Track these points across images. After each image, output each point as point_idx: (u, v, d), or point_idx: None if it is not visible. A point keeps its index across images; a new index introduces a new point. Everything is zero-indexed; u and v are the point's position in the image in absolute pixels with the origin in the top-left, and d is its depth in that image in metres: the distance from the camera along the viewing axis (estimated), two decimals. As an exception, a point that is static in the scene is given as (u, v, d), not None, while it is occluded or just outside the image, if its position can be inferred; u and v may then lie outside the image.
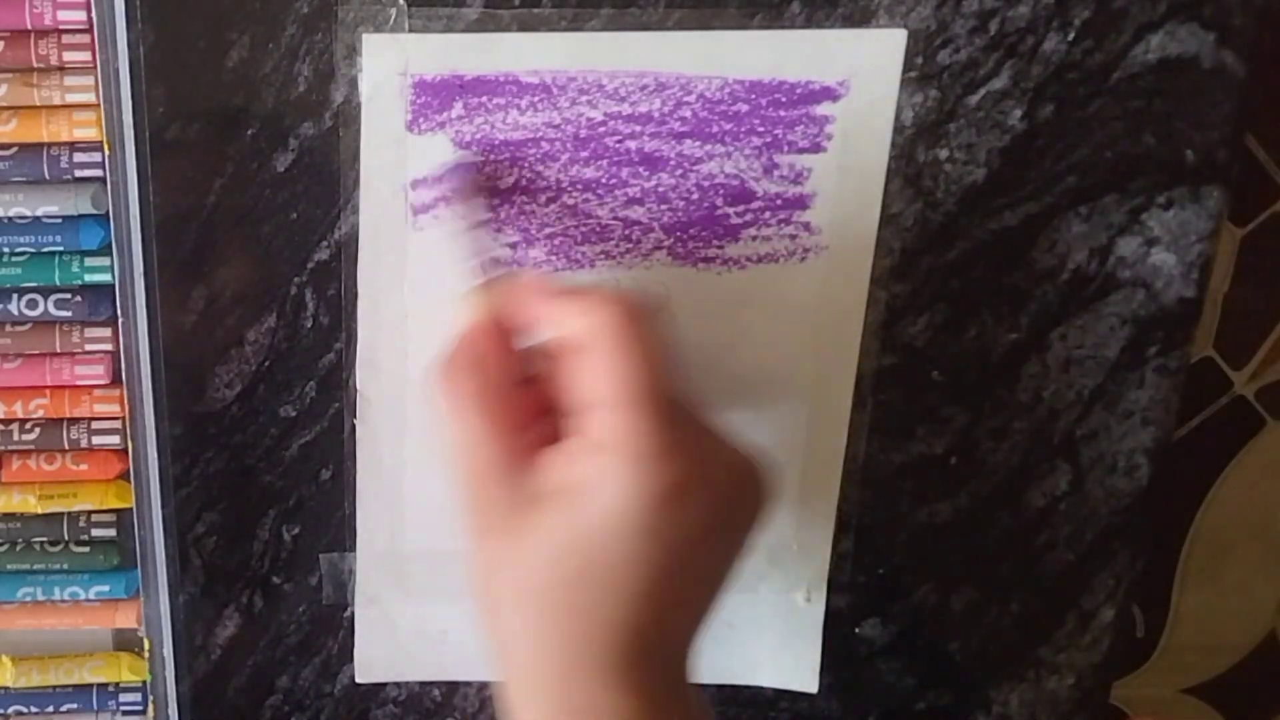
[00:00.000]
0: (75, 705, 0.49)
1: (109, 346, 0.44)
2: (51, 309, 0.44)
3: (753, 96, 0.42)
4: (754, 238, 0.44)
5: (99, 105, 0.41)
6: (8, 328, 0.44)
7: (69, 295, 0.44)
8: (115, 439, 0.45)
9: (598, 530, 0.35)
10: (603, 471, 0.35)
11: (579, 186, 0.43)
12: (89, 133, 0.42)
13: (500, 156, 0.42)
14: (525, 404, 0.38)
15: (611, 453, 0.35)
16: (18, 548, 0.47)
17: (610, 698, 0.36)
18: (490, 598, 0.38)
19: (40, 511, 0.46)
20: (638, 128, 0.42)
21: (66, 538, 0.47)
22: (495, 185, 0.43)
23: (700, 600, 0.38)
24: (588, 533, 0.35)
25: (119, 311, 0.43)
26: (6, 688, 0.48)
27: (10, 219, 0.43)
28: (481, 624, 0.38)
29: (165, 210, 0.42)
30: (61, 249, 0.43)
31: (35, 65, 0.41)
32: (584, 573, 0.36)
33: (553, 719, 0.37)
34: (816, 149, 0.43)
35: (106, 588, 0.47)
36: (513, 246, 0.43)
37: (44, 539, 0.47)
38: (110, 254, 0.43)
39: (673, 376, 0.36)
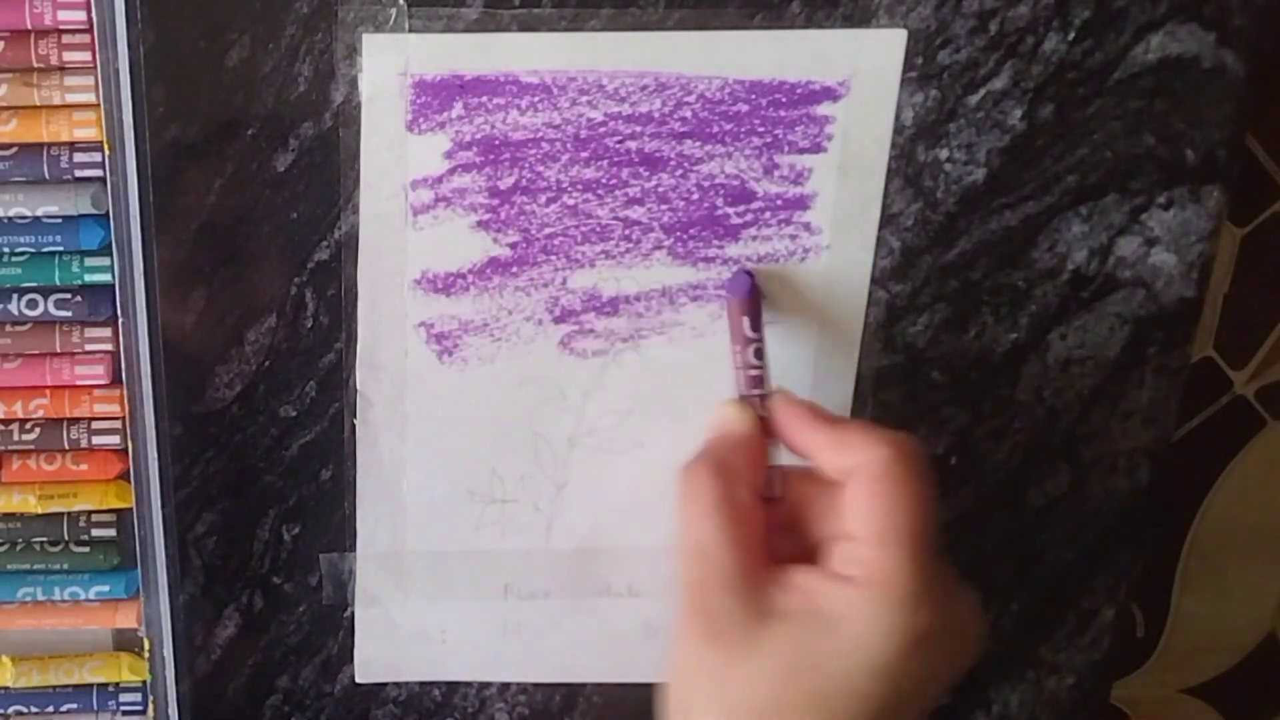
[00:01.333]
0: (75, 705, 0.49)
1: (109, 346, 0.44)
2: (51, 309, 0.44)
3: (753, 96, 0.42)
4: (754, 238, 0.44)
5: (99, 105, 0.41)
6: (8, 328, 0.44)
7: (69, 295, 0.44)
8: (115, 439, 0.45)
9: (839, 660, 0.36)
10: (854, 605, 0.36)
11: (579, 186, 0.43)
12: (89, 133, 0.42)
13: (500, 157, 0.42)
14: (764, 521, 0.39)
15: (867, 588, 0.36)
16: (18, 548, 0.47)
17: None
18: (692, 703, 0.38)
19: (40, 511, 0.46)
20: (638, 128, 0.42)
21: (66, 538, 0.47)
22: (495, 186, 0.43)
23: None
24: (827, 660, 0.36)
25: (119, 311, 0.43)
26: (6, 688, 0.48)
27: (10, 219, 0.43)
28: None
29: (165, 210, 0.42)
30: (61, 249, 0.43)
31: (35, 65, 0.41)
32: (813, 698, 0.36)
33: None
34: (817, 149, 0.43)
35: (106, 588, 0.47)
36: (512, 246, 0.43)
37: (44, 539, 0.47)
38: (110, 254, 0.43)
39: (933, 525, 0.37)
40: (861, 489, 0.37)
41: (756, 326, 0.42)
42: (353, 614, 0.48)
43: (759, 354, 0.41)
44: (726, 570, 0.37)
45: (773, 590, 0.37)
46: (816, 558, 0.38)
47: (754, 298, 0.42)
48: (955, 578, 0.38)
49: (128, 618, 0.47)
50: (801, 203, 0.43)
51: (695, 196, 0.43)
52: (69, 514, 0.46)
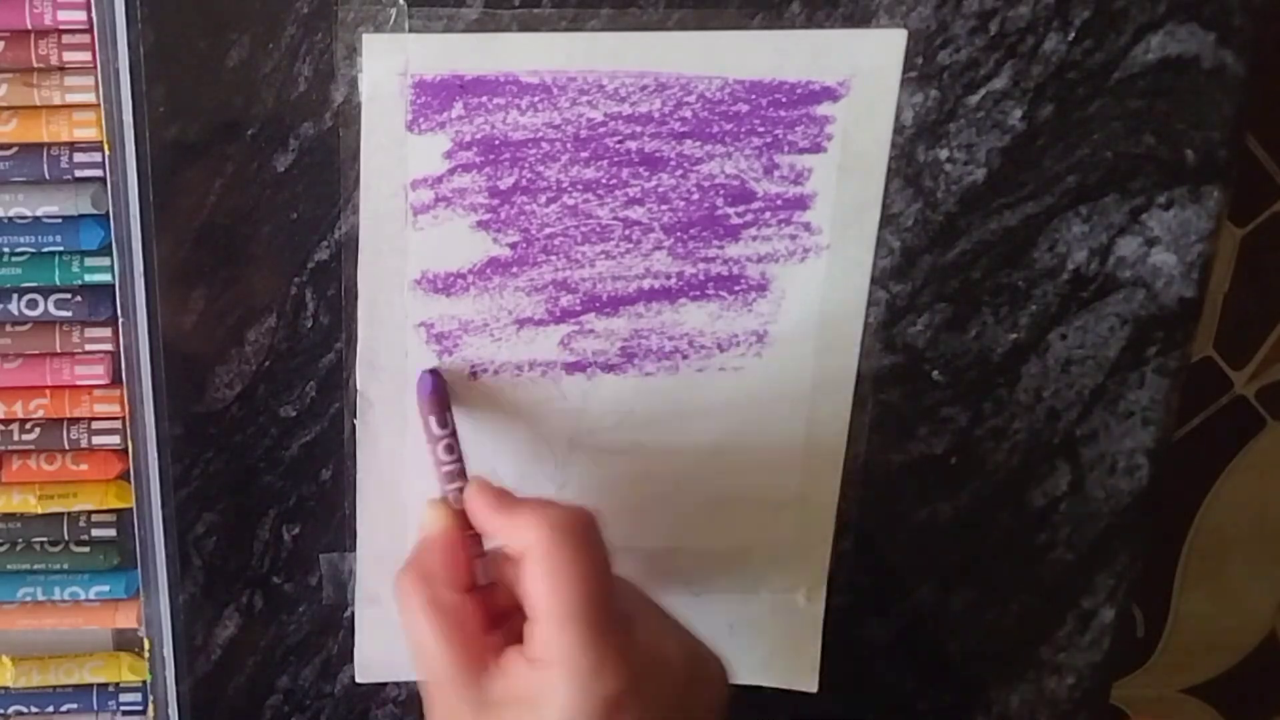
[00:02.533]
0: (75, 705, 0.49)
1: (109, 346, 0.44)
2: (52, 309, 0.44)
3: (753, 97, 0.42)
4: (754, 238, 0.44)
5: (99, 105, 0.41)
6: (8, 328, 0.44)
7: (69, 295, 0.44)
8: (115, 439, 0.45)
9: None
10: (544, 686, 0.37)
11: (579, 186, 0.43)
12: (89, 133, 0.42)
13: (500, 157, 0.42)
14: (489, 606, 0.40)
15: (551, 669, 0.37)
16: (18, 548, 0.47)
17: None
18: None
19: (40, 511, 0.46)
20: (638, 128, 0.42)
21: (66, 538, 0.47)
22: (495, 186, 0.43)
23: None
24: None
25: (119, 311, 0.43)
26: (6, 688, 0.48)
27: (10, 219, 0.43)
28: None
29: (165, 210, 0.42)
30: (62, 249, 0.43)
31: (35, 65, 0.41)
32: None
33: None
34: (817, 149, 0.43)
35: (106, 588, 0.47)
36: (512, 246, 0.43)
37: (44, 539, 0.47)
38: (110, 254, 0.43)
39: (607, 588, 0.38)
40: (532, 571, 0.38)
41: (444, 423, 0.43)
42: (353, 614, 0.48)
43: (449, 449, 0.42)
44: (445, 669, 0.39)
45: (490, 680, 0.38)
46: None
47: (437, 395, 0.43)
48: (655, 631, 0.39)
49: (128, 618, 0.47)
50: (801, 203, 0.43)
51: (695, 196, 0.43)
52: (69, 514, 0.46)
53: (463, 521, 0.41)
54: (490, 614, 0.40)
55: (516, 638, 0.39)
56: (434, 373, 0.44)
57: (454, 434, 0.43)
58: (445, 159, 0.42)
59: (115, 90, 0.41)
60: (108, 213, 0.42)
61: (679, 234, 0.43)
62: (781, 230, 0.44)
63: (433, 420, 0.43)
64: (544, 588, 0.37)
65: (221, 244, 0.43)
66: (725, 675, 0.41)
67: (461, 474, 0.42)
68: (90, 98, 0.41)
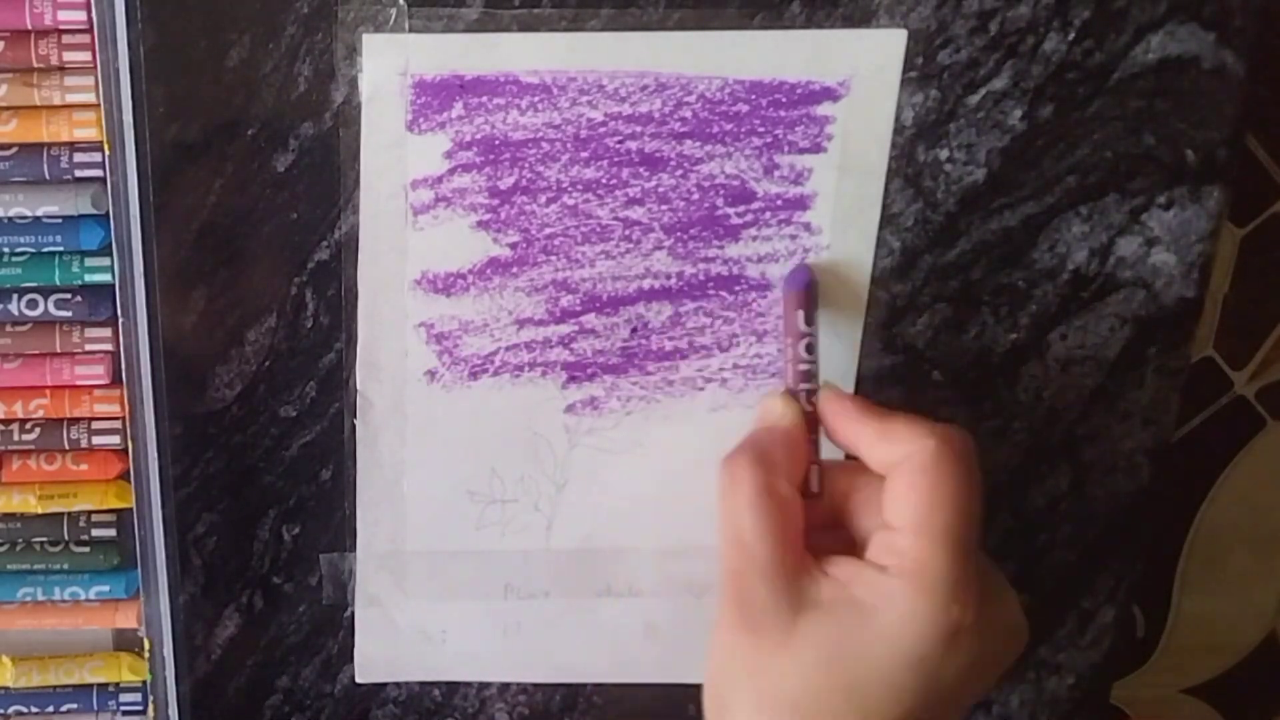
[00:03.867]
0: (75, 705, 0.49)
1: (109, 346, 0.44)
2: (52, 309, 0.44)
3: (753, 97, 0.42)
4: (754, 238, 0.44)
5: (99, 105, 0.41)
6: (8, 328, 0.44)
7: (69, 295, 0.44)
8: (115, 439, 0.45)
9: (874, 650, 0.36)
10: (889, 595, 0.36)
11: (579, 186, 0.43)
12: (89, 133, 0.42)
13: (500, 157, 0.42)
14: (803, 515, 0.39)
15: (903, 579, 0.36)
16: (18, 548, 0.47)
17: None
18: (730, 693, 0.38)
19: (40, 511, 0.46)
20: (638, 128, 0.42)
21: (66, 538, 0.47)
22: (495, 186, 0.43)
23: None
24: (862, 650, 0.36)
25: (119, 311, 0.43)
26: (6, 688, 0.48)
27: (10, 219, 0.43)
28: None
29: (165, 210, 0.42)
30: (62, 249, 0.43)
31: (35, 65, 0.41)
32: (849, 688, 0.36)
33: None
34: (817, 149, 0.43)
35: (106, 588, 0.47)
36: (512, 246, 0.43)
37: (44, 539, 0.47)
38: (110, 254, 0.43)
39: (980, 516, 0.37)
40: (903, 480, 0.37)
41: (810, 321, 0.42)
42: (353, 614, 0.48)
43: (810, 349, 0.41)
44: (763, 561, 0.37)
45: (809, 581, 0.37)
46: (856, 552, 0.38)
47: (810, 291, 0.42)
48: (999, 576, 0.38)
49: (128, 618, 0.47)
50: (801, 203, 0.43)
51: (695, 196, 0.43)
52: (69, 514, 0.46)
53: (807, 422, 0.40)
54: (810, 525, 0.39)
55: (833, 554, 0.38)
56: (808, 267, 0.43)
57: (815, 335, 0.42)
58: (445, 159, 0.42)
59: (115, 90, 0.41)
60: (108, 213, 0.42)
61: (679, 234, 0.43)
62: (781, 230, 0.44)
63: (800, 315, 0.42)
64: (924, 499, 0.36)
65: (221, 244, 0.43)
66: (1025, 639, 0.40)
67: (814, 377, 0.41)
68: (90, 98, 0.41)
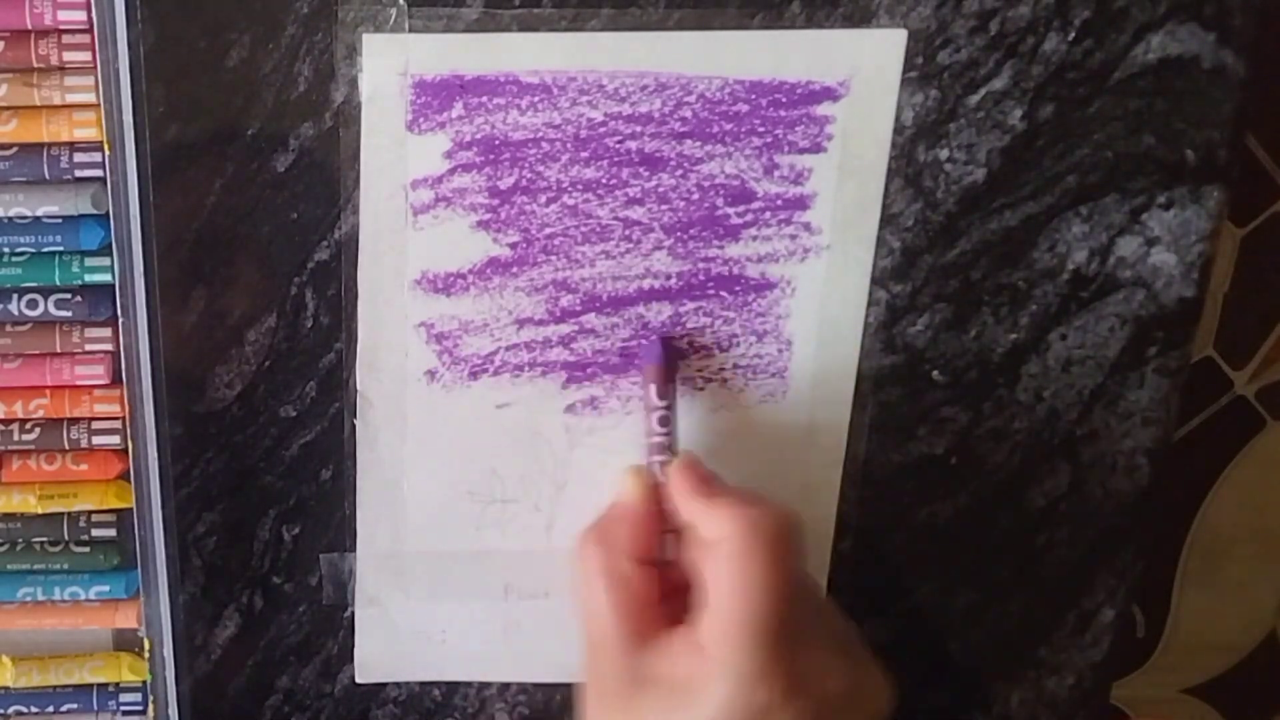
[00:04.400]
0: (75, 705, 0.49)
1: (109, 346, 0.44)
2: (52, 309, 0.44)
3: (753, 97, 0.42)
4: (754, 238, 0.44)
5: (99, 105, 0.41)
6: (8, 328, 0.44)
7: (69, 295, 0.44)
8: (115, 439, 0.45)
9: None
10: (705, 677, 0.37)
11: (579, 186, 0.43)
12: (89, 133, 0.42)
13: (500, 156, 0.42)
14: (659, 581, 0.41)
15: (712, 661, 0.37)
16: (18, 548, 0.47)
17: None
18: None
19: (40, 511, 0.46)
20: (638, 128, 0.42)
21: (66, 538, 0.47)
22: (495, 186, 0.43)
23: None
24: None
25: (119, 311, 0.43)
26: (6, 688, 0.48)
27: (10, 219, 0.43)
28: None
29: (165, 210, 0.42)
30: (62, 249, 0.43)
31: (35, 65, 0.41)
32: None
33: None
34: (817, 149, 0.43)
35: (106, 588, 0.47)
36: (513, 246, 0.43)
37: (44, 539, 0.47)
38: (110, 254, 0.43)
39: (788, 602, 0.38)
40: (719, 565, 0.38)
41: (664, 395, 0.43)
42: (353, 614, 0.48)
43: (664, 421, 0.43)
44: (610, 636, 0.39)
45: (651, 656, 0.39)
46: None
47: (664, 365, 0.43)
48: (826, 651, 0.39)
49: (128, 618, 0.47)
50: (801, 203, 0.43)
51: (695, 196, 0.43)
52: (69, 514, 0.46)
53: (657, 494, 0.42)
54: (665, 587, 0.40)
55: (675, 618, 0.39)
56: (665, 341, 0.44)
57: (671, 407, 0.43)
58: (445, 159, 0.42)
59: (115, 90, 0.41)
60: (108, 213, 0.42)
61: (679, 234, 0.43)
62: (782, 230, 0.44)
63: (653, 389, 0.43)
64: (728, 586, 0.38)
65: (221, 244, 0.43)
66: (886, 700, 0.41)
67: (669, 449, 0.43)
68: (90, 98, 0.41)
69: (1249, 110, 0.43)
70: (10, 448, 0.45)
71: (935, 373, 0.46)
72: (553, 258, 0.44)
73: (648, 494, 0.42)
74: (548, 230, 0.43)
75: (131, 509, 0.46)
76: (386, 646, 0.48)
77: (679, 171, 0.43)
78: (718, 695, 0.37)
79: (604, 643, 0.40)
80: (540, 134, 0.42)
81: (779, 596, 0.38)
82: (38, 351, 0.44)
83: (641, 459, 0.43)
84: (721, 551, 0.38)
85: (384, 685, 0.49)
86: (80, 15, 0.41)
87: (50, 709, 0.48)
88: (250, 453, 0.45)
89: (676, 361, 0.44)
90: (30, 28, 0.41)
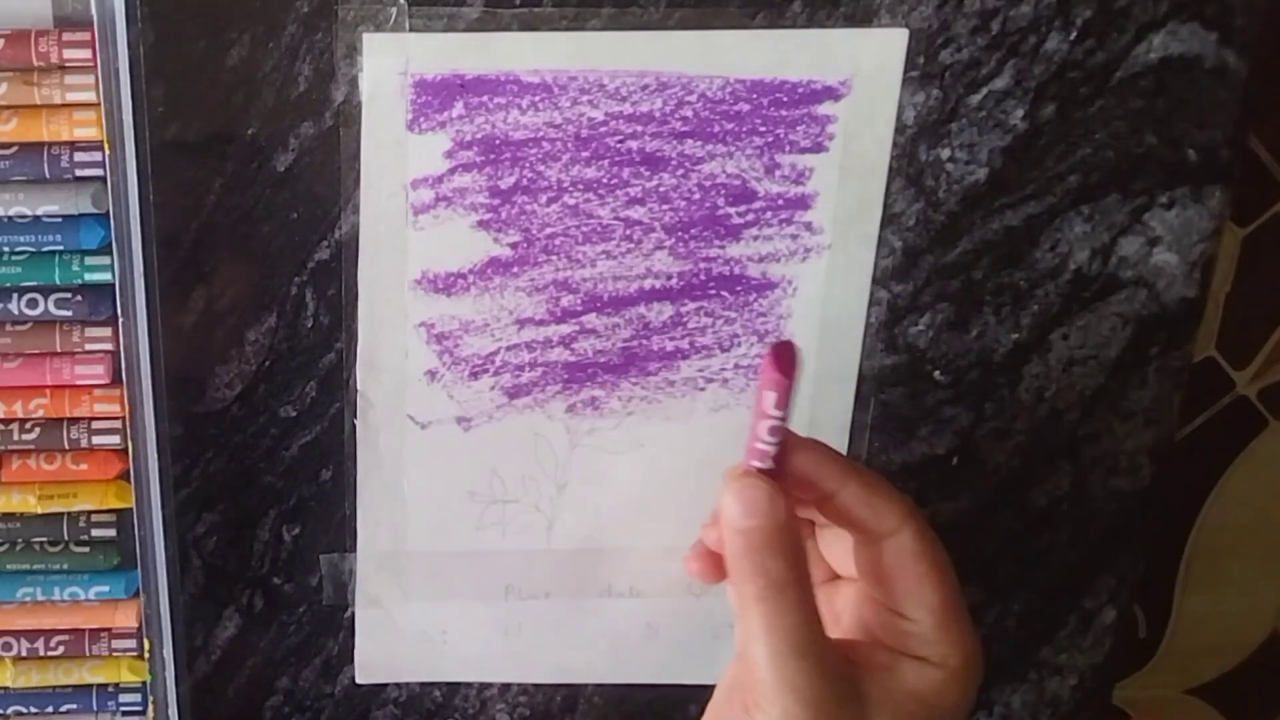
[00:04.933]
0: (75, 705, 0.48)
1: (109, 346, 0.44)
2: (52, 308, 0.44)
3: (754, 96, 0.42)
4: (755, 238, 0.44)
5: (99, 104, 0.41)
6: (8, 327, 0.44)
7: (69, 295, 0.44)
8: (115, 439, 0.45)
9: None
10: (942, 687, 0.37)
11: (580, 186, 0.43)
12: (89, 132, 0.42)
13: (501, 156, 0.42)
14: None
15: (943, 669, 0.37)
16: (18, 548, 0.47)
17: None
18: None
19: (40, 511, 0.46)
20: (639, 127, 0.42)
21: (66, 538, 0.47)
22: (496, 185, 0.43)
23: None
24: None
25: (119, 311, 0.43)
26: (6, 688, 0.48)
27: (10, 218, 0.43)
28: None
29: (165, 210, 0.42)
30: (62, 248, 0.43)
31: (36, 64, 0.41)
32: None
33: None
34: (818, 149, 0.43)
35: (106, 588, 0.47)
36: (513, 246, 0.43)
37: (44, 539, 0.47)
38: (110, 253, 0.43)
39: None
40: (907, 570, 0.37)
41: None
42: (353, 614, 0.48)
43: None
44: (823, 651, 0.36)
45: (864, 673, 0.37)
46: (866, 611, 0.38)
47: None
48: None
49: (128, 618, 0.47)
50: (803, 202, 0.43)
51: (696, 196, 0.43)
52: (69, 514, 0.46)
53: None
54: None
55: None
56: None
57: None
58: (445, 159, 0.42)
59: (115, 89, 0.41)
60: (108, 212, 0.42)
61: (680, 234, 0.43)
62: (783, 230, 0.44)
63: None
64: (923, 571, 0.37)
65: (221, 244, 0.43)
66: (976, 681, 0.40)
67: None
68: (90, 97, 0.41)
69: (1251, 110, 0.43)
70: (10, 447, 0.45)
71: (937, 373, 0.46)
72: (553, 258, 0.43)
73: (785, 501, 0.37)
74: (548, 230, 0.43)
75: (131, 509, 0.46)
76: (387, 647, 0.48)
77: (680, 171, 0.43)
78: (961, 692, 0.37)
79: (819, 660, 0.35)
80: (541, 133, 0.42)
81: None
82: (38, 351, 0.44)
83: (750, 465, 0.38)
84: (908, 553, 0.37)
85: (384, 686, 0.49)
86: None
87: (50, 709, 0.48)
88: (250, 453, 0.45)
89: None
90: (31, 27, 0.41)
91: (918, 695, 0.37)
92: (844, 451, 0.46)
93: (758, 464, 0.37)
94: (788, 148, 0.43)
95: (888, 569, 0.37)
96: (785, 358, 0.36)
